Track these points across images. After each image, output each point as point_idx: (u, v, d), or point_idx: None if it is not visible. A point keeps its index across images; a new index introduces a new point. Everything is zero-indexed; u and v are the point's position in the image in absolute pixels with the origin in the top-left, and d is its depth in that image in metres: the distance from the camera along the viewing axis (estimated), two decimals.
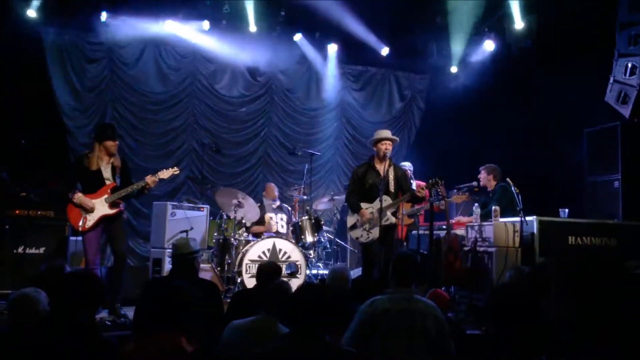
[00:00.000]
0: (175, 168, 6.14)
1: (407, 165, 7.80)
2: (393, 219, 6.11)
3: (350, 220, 6.35)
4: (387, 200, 6.03)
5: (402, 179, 6.30)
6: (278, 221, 7.99)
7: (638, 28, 6.88)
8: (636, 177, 6.94)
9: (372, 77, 10.92)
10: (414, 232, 7.52)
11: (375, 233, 6.00)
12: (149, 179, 5.81)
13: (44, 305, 2.97)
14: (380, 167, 6.23)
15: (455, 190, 7.20)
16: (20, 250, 6.44)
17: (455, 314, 5.66)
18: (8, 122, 7.98)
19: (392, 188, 6.16)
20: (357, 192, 6.30)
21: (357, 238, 6.31)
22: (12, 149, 7.71)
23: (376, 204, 6.00)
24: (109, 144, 5.73)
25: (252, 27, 9.15)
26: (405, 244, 7.43)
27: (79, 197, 5.62)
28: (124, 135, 9.05)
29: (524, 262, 5.83)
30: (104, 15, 8.56)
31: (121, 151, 6.36)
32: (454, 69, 10.17)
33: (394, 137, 6.36)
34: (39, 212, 6.70)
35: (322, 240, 7.82)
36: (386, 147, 6.22)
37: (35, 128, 8.32)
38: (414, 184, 7.11)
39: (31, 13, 8.28)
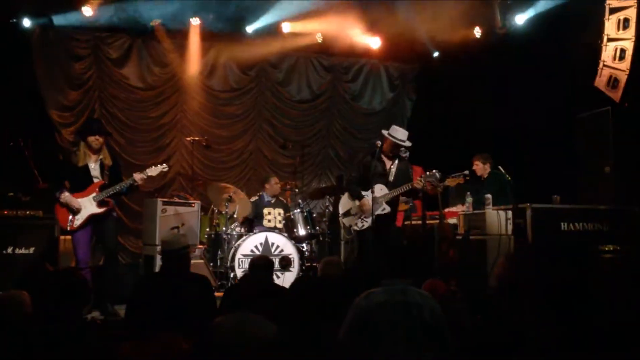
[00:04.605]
0: (164, 165, 6.08)
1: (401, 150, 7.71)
2: (388, 208, 6.09)
3: (344, 206, 6.33)
4: (383, 189, 6.02)
5: (405, 172, 6.28)
6: (276, 216, 7.91)
7: (627, 12, 6.89)
8: (628, 161, 6.94)
9: (362, 68, 10.87)
10: (407, 222, 7.49)
11: (369, 221, 5.99)
12: (137, 176, 5.74)
13: (28, 306, 2.93)
14: (387, 159, 6.23)
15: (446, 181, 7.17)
16: (9, 250, 6.34)
17: (451, 304, 5.64)
18: None
19: (391, 178, 6.15)
20: (360, 180, 6.27)
21: (350, 225, 6.29)
22: None
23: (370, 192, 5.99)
24: (91, 139, 5.64)
25: (240, 21, 9.08)
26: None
27: (65, 196, 5.55)
28: (113, 132, 8.96)
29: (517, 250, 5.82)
30: (89, 11, 8.44)
31: (110, 148, 6.27)
32: (442, 57, 10.14)
33: (409, 144, 6.27)
34: (27, 212, 6.61)
35: (315, 232, 7.78)
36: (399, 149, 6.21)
37: (23, 126, 8.24)
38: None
39: (26, 22, 8.40)
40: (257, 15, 9.23)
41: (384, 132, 6.29)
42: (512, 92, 8.49)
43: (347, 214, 6.28)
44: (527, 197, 6.07)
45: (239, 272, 6.74)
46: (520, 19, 8.70)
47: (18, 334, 2.52)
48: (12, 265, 6.18)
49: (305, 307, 2.77)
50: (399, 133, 6.19)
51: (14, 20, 8.45)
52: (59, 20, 8.75)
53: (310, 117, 10.67)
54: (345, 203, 6.35)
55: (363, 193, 6.13)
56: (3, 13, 8.23)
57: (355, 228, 6.20)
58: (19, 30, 8.55)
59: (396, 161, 6.24)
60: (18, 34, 8.55)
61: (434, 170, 6.09)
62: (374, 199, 5.92)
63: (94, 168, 5.70)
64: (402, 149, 7.58)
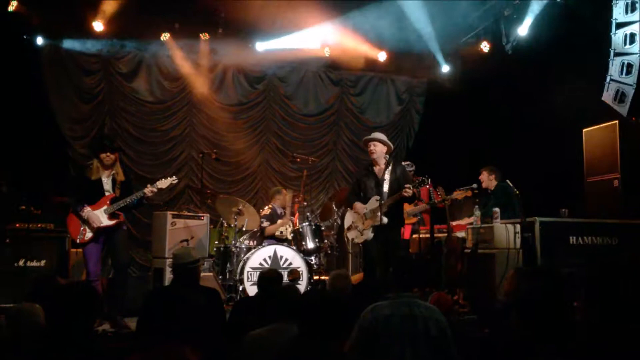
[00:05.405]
0: (174, 177, 6.13)
1: (407, 164, 7.75)
2: (385, 219, 5.93)
3: (347, 221, 6.39)
4: (379, 200, 6.05)
5: (400, 178, 6.18)
6: (287, 227, 7.94)
7: (633, 27, 6.93)
8: (635, 175, 6.93)
9: (369, 82, 10.93)
10: (415, 235, 7.51)
11: (368, 234, 6.02)
12: (148, 189, 5.81)
13: (42, 319, 2.97)
14: (377, 170, 6.23)
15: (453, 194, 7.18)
16: (21, 263, 6.42)
17: (458, 316, 5.64)
18: (8, 135, 8.00)
19: (385, 189, 6.11)
20: (355, 194, 6.33)
21: (352, 239, 6.39)
22: (11, 161, 7.75)
23: (369, 205, 6.04)
24: (102, 156, 5.71)
25: (248, 35, 9.17)
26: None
27: (87, 212, 5.61)
28: (123, 146, 9.05)
29: (526, 263, 5.81)
30: (99, 27, 8.57)
31: (121, 162, 6.34)
32: (450, 71, 10.20)
33: (379, 138, 6.27)
34: (39, 225, 6.68)
35: (323, 246, 7.80)
36: (371, 148, 6.22)
37: (35, 140, 8.36)
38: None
39: (39, 41, 8.67)
40: (266, 30, 9.32)
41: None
42: (520, 104, 8.52)
43: (350, 227, 6.34)
44: (534, 210, 6.07)
45: (248, 285, 6.77)
46: (522, 30, 8.72)
47: (33, 346, 2.56)
48: (23, 277, 6.24)
49: (312, 321, 2.79)
50: (375, 135, 6.35)
51: (26, 36, 8.60)
52: (68, 44, 8.98)
53: (318, 130, 10.72)
54: (348, 217, 6.41)
55: (363, 206, 6.18)
56: (16, 30, 8.38)
57: (356, 241, 6.29)
58: (30, 46, 8.70)
59: (389, 170, 6.22)
60: (30, 50, 8.69)
61: (421, 178, 6.03)
62: (372, 210, 5.99)
63: (107, 182, 5.76)
64: (408, 162, 7.62)
